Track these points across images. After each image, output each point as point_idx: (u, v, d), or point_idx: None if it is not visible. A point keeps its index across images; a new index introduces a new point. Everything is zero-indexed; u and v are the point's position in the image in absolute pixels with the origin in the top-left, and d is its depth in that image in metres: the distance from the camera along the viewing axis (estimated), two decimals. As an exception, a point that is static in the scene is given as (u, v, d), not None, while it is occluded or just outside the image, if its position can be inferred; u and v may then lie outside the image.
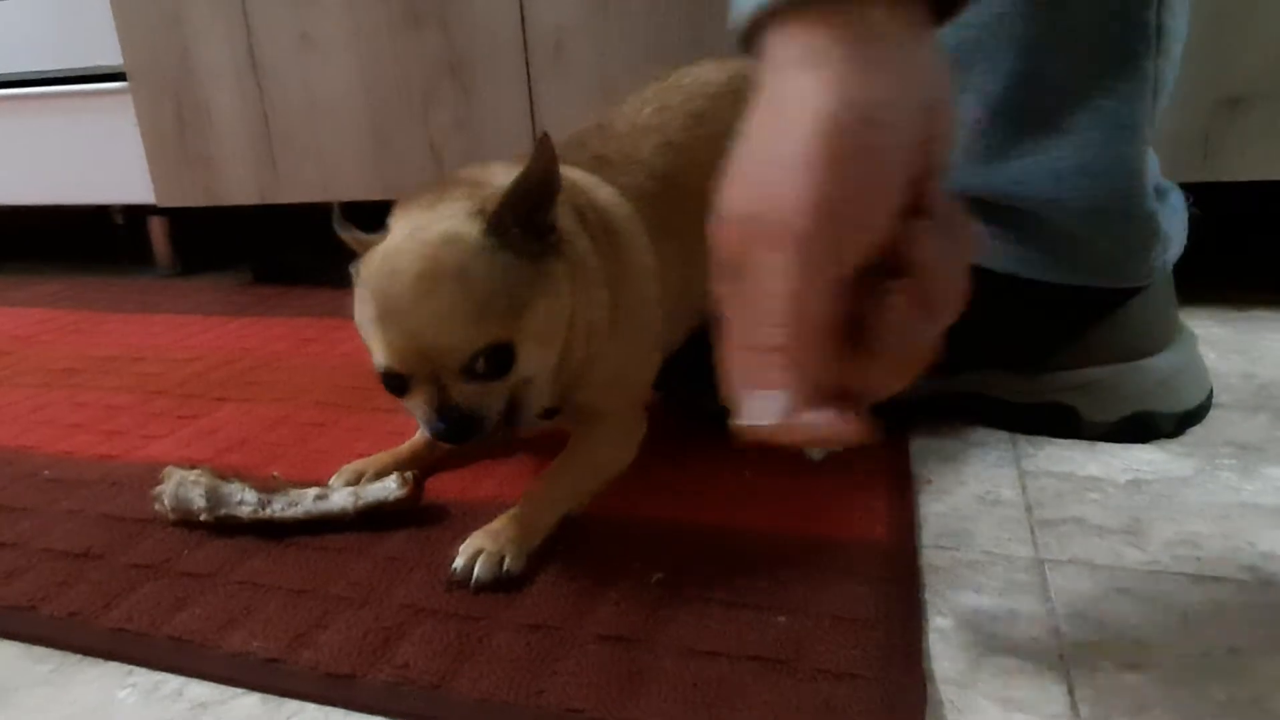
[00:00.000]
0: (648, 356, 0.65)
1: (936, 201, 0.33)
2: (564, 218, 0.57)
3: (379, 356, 0.53)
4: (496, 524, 0.55)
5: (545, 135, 0.52)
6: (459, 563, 0.53)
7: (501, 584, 0.52)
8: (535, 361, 0.54)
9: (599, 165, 0.64)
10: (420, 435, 0.68)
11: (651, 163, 0.65)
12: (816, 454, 0.66)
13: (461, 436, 0.52)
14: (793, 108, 0.31)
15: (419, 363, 0.52)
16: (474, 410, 0.52)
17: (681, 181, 0.65)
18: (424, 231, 0.53)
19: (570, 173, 0.61)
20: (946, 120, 0.33)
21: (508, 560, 0.53)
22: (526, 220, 0.53)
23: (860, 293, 0.32)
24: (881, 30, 0.31)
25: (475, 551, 0.53)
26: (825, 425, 0.32)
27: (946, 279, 0.33)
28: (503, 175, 0.58)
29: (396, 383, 0.53)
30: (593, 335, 0.59)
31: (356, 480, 0.64)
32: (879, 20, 0.31)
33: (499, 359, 0.52)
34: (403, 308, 0.51)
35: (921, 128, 0.32)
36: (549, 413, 0.60)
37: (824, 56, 0.31)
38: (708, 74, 0.69)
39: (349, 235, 0.58)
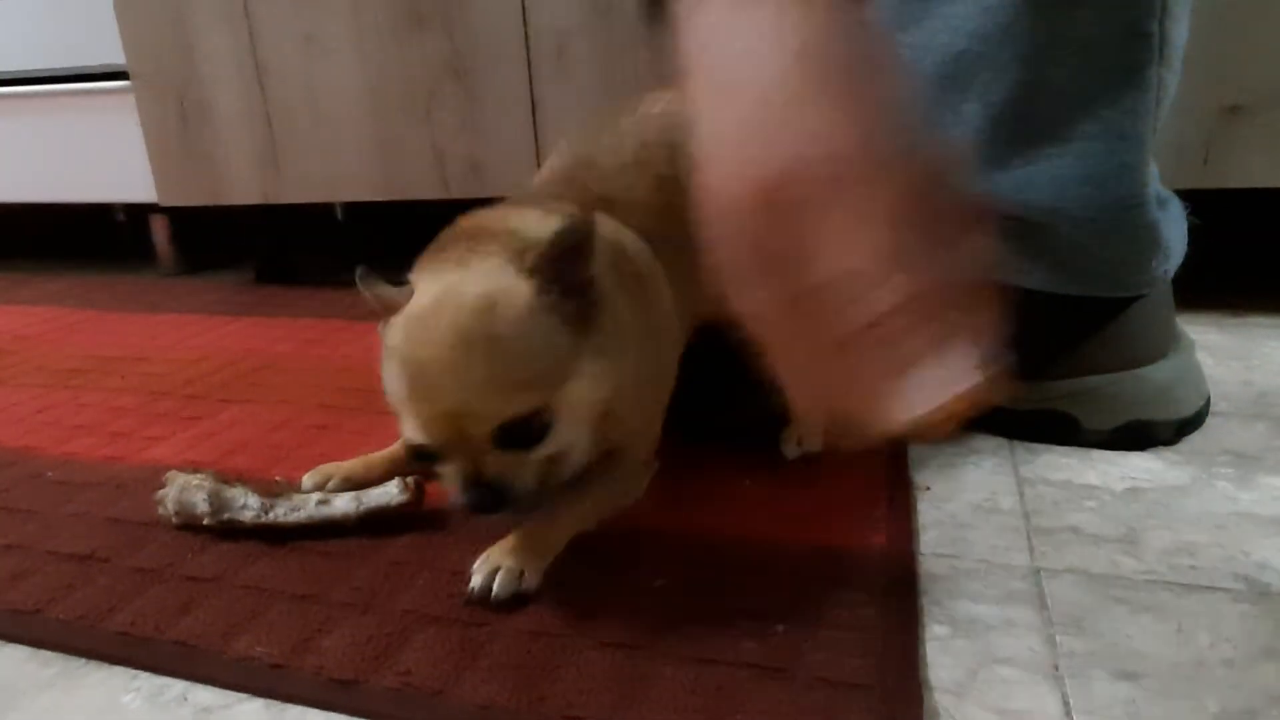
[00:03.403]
0: (664, 405, 0.63)
1: None
2: (600, 270, 0.53)
3: (409, 430, 0.50)
4: (510, 541, 0.55)
5: (584, 220, 0.49)
6: (476, 581, 0.52)
7: (519, 600, 0.52)
8: (572, 433, 0.52)
9: (607, 208, 0.60)
10: (399, 442, 0.68)
11: (649, 202, 0.62)
12: (791, 451, 0.68)
13: (492, 509, 0.50)
14: (762, 45, 0.27)
15: (451, 434, 0.49)
16: (505, 482, 0.50)
17: (676, 217, 0.63)
18: (458, 293, 0.49)
19: (605, 226, 0.57)
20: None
21: (526, 576, 0.53)
22: (566, 278, 0.50)
23: None
24: None
25: (493, 569, 0.52)
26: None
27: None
28: (520, 222, 0.55)
29: (427, 457, 0.51)
30: (623, 394, 0.55)
31: (325, 483, 0.65)
32: None
33: (534, 428, 0.49)
34: (435, 378, 0.48)
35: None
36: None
37: None
38: (676, 103, 0.67)
39: (373, 293, 0.53)
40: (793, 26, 0.26)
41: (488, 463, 0.49)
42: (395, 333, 0.51)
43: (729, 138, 0.28)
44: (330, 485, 0.64)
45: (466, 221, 0.58)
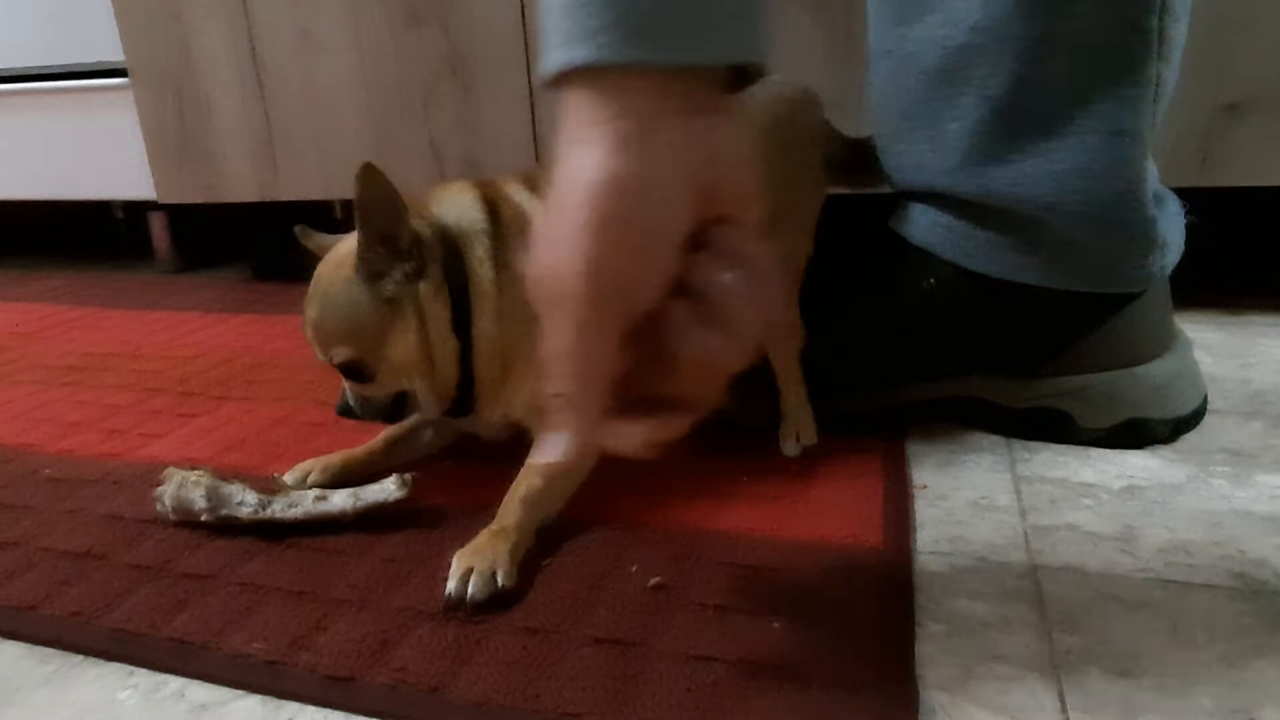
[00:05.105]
0: None
1: (728, 242, 0.37)
2: (477, 246, 0.63)
3: None
4: (479, 541, 0.55)
5: (366, 166, 0.58)
6: (452, 586, 0.52)
7: (498, 600, 0.52)
8: (401, 380, 0.63)
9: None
10: (378, 439, 0.71)
11: None
12: (791, 449, 0.68)
13: (343, 413, 0.66)
14: (568, 180, 0.35)
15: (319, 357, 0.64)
16: (349, 400, 0.66)
17: None
18: (338, 254, 0.63)
19: (518, 195, 0.65)
20: (734, 185, 0.36)
21: (500, 575, 0.52)
22: (389, 248, 0.60)
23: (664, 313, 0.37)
24: (649, 108, 0.34)
25: (465, 571, 0.52)
26: (632, 437, 0.38)
27: (731, 300, 0.36)
28: (424, 197, 0.65)
29: None
30: (497, 353, 0.64)
31: (304, 478, 0.66)
32: (648, 98, 0.34)
33: (360, 371, 0.63)
34: (306, 313, 0.63)
35: (689, 195, 0.35)
36: (456, 409, 0.67)
37: (593, 132, 0.34)
38: None
39: (310, 243, 0.70)
40: (588, 165, 0.34)
41: (347, 384, 0.65)
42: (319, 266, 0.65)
43: (536, 234, 0.37)
44: (310, 479, 0.65)
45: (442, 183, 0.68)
